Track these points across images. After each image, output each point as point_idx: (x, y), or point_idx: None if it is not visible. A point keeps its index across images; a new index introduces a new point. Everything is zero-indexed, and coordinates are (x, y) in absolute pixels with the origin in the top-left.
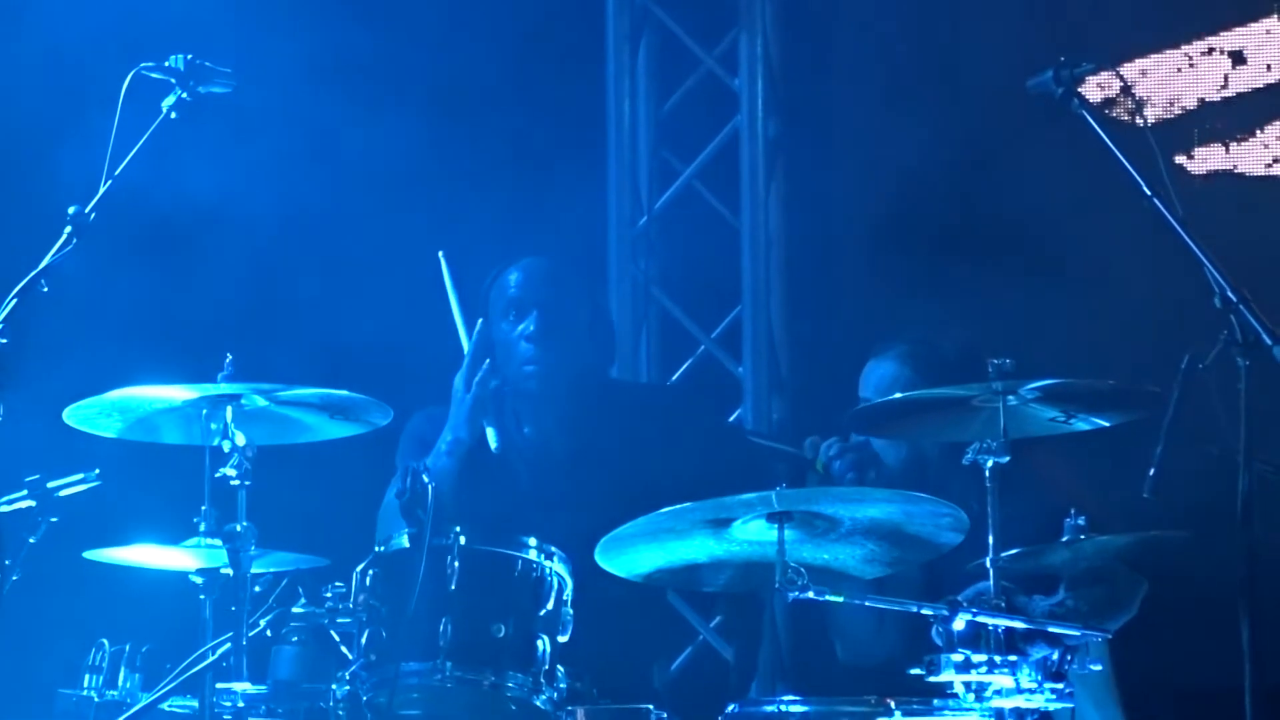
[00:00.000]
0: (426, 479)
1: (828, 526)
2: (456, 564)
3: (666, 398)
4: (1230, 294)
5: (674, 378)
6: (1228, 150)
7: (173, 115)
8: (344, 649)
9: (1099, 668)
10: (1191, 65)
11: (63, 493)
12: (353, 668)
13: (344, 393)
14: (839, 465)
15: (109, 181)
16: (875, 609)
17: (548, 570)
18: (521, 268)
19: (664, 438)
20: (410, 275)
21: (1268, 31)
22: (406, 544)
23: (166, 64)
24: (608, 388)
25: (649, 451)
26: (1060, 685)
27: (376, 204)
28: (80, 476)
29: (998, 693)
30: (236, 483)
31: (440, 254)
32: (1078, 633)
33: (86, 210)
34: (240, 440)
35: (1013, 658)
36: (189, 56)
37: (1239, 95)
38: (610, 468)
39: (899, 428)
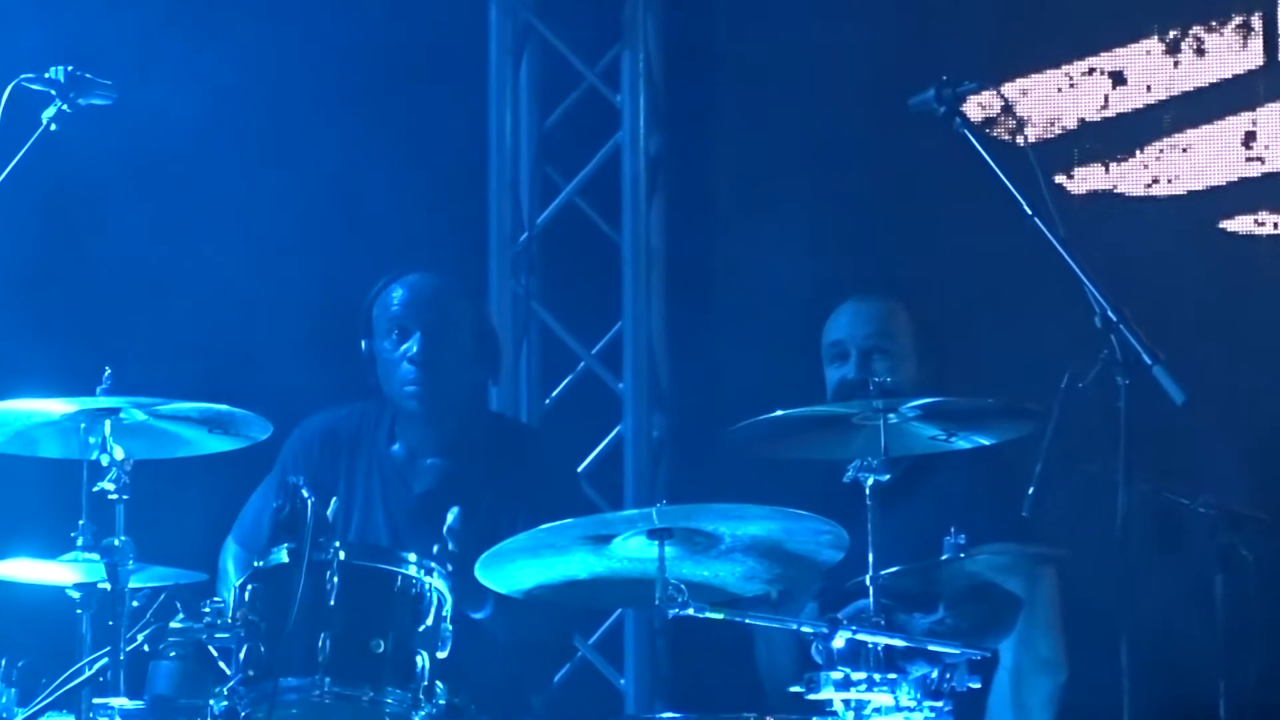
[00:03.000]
0: (306, 494)
1: (708, 543)
2: (336, 579)
3: (538, 441)
4: (1110, 313)
5: (554, 394)
6: (1108, 170)
7: (53, 127)
8: (222, 664)
9: (977, 685)
10: (1072, 85)
11: None
12: (231, 683)
13: (223, 407)
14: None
15: None
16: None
17: (427, 586)
18: (406, 285)
19: (527, 482)
20: (290, 287)
21: (1148, 52)
22: (286, 559)
23: (46, 75)
24: (483, 419)
25: (508, 492)
26: (939, 703)
27: (256, 215)
28: None
29: (877, 710)
30: (115, 497)
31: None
32: (957, 651)
33: None
34: (119, 454)
35: (892, 675)
36: (69, 68)
37: (1119, 115)
38: (467, 500)
39: (779, 447)
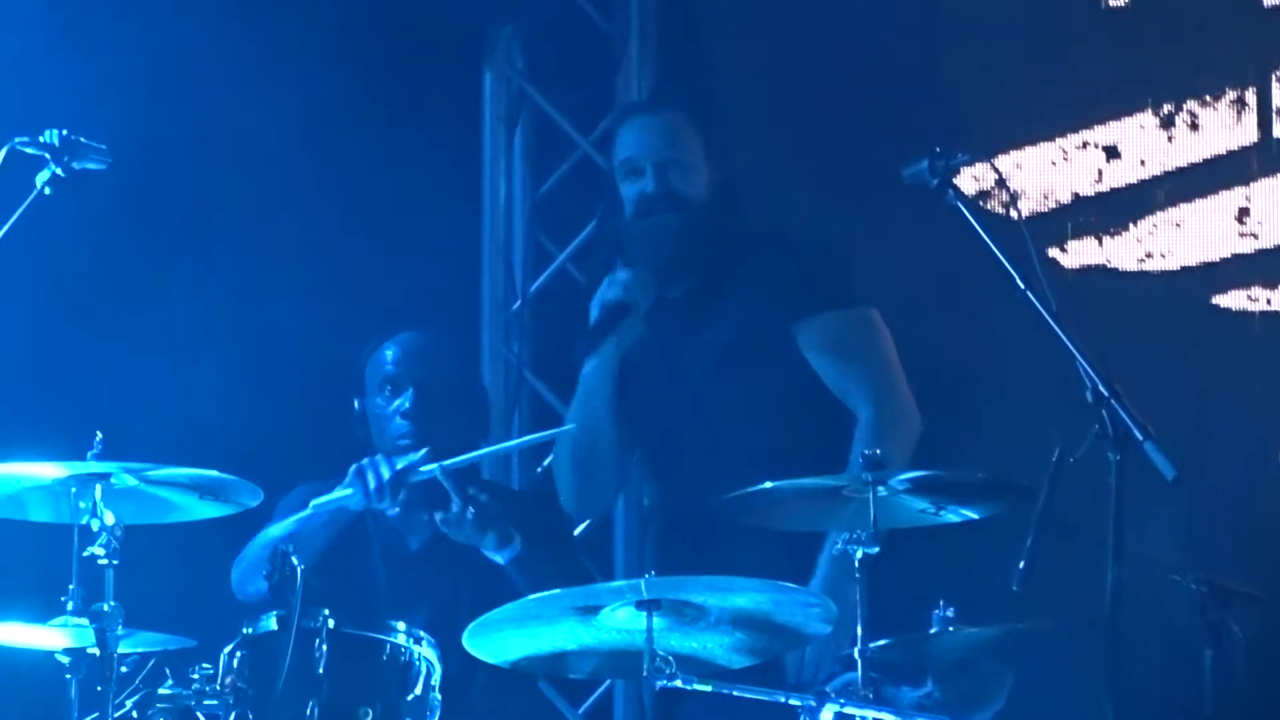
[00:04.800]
0: (296, 561)
1: (696, 614)
2: (325, 647)
3: (528, 503)
4: (1102, 388)
5: (546, 462)
6: (1101, 244)
7: (47, 191)
8: None
9: None
10: (1066, 159)
11: None
12: None
13: (214, 473)
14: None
15: None
16: None
17: (416, 655)
18: (398, 343)
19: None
20: (282, 353)
21: (1141, 127)
22: (275, 626)
23: (41, 139)
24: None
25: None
26: None
27: (249, 280)
28: None
29: None
30: (104, 562)
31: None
32: None
33: None
34: (109, 519)
35: None
36: (64, 132)
37: (1112, 190)
38: (464, 554)
39: (768, 517)
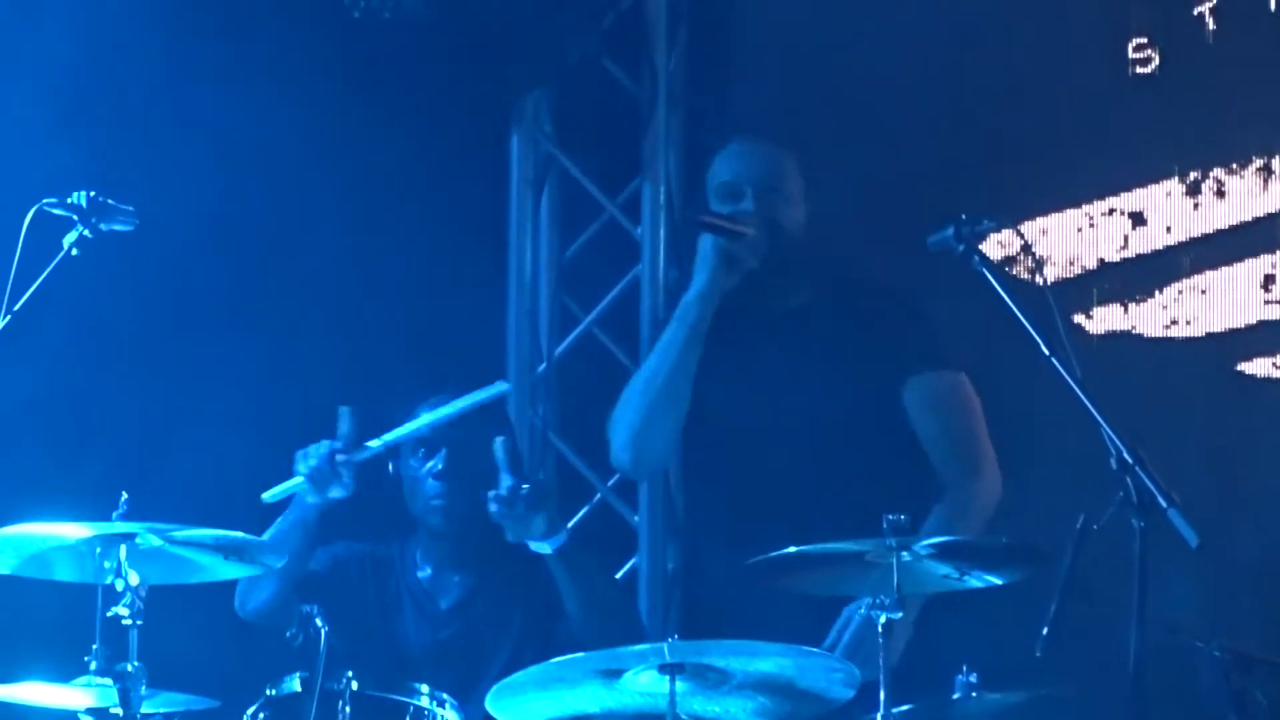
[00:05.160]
0: (320, 623)
1: (719, 679)
2: (348, 709)
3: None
4: (1126, 455)
5: (570, 525)
6: (1126, 311)
7: (74, 252)
8: None
9: None
10: (1092, 225)
11: None
12: None
13: (239, 534)
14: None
15: (8, 317)
16: None
17: (439, 717)
18: (430, 406)
19: (551, 599)
20: (307, 415)
21: (1168, 194)
22: (298, 688)
23: (69, 200)
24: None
25: (539, 608)
26: None
27: (273, 342)
28: None
29: None
30: (129, 622)
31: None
32: None
33: None
34: (134, 579)
35: None
36: (91, 193)
37: (1138, 256)
38: (498, 615)
39: (792, 581)
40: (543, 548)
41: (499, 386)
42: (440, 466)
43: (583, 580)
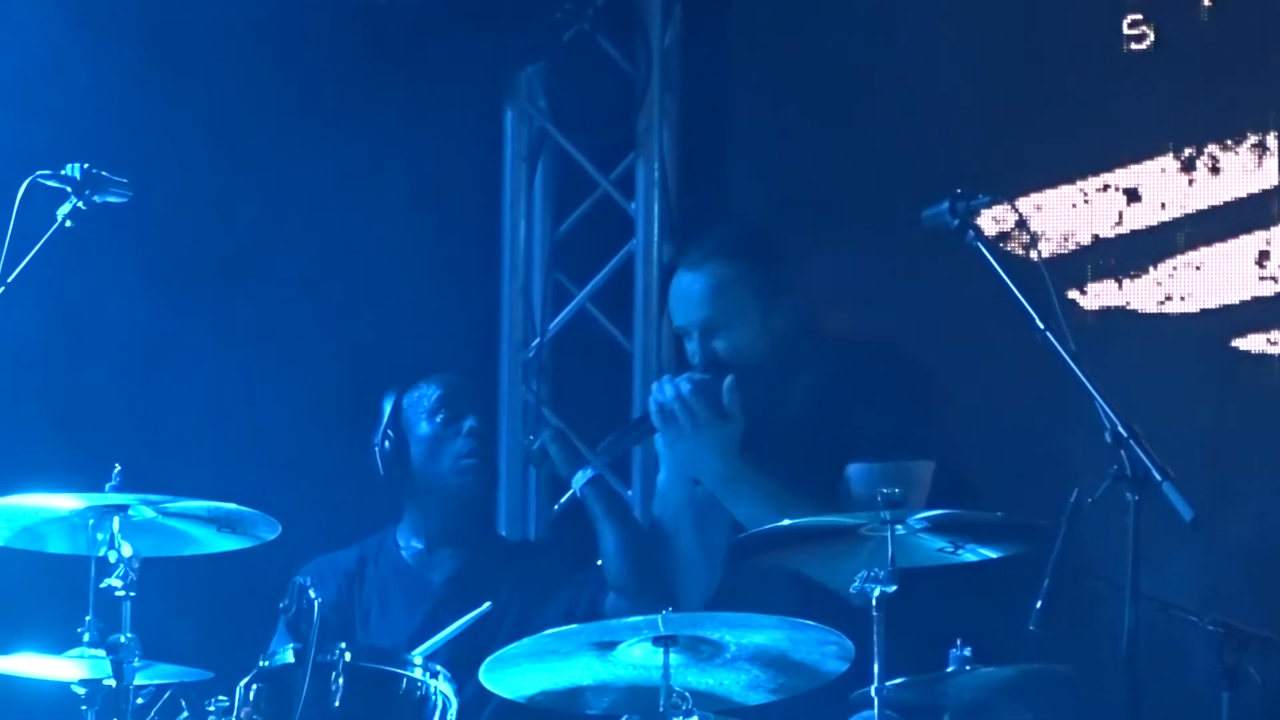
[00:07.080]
0: (313, 594)
1: (713, 651)
2: (341, 680)
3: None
4: (1121, 429)
5: (563, 500)
6: (1121, 287)
7: (68, 224)
8: None
9: None
10: (1086, 201)
11: None
12: None
13: (232, 506)
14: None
15: (2, 288)
16: None
17: (432, 689)
18: (443, 379)
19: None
20: (301, 388)
21: (1162, 170)
22: (291, 659)
23: (63, 172)
24: (492, 528)
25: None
26: None
27: (268, 317)
28: None
29: None
30: (121, 593)
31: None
32: None
33: None
34: (126, 551)
35: None
36: (85, 165)
37: (1133, 232)
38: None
39: (785, 556)
40: (580, 479)
41: (484, 607)
42: (475, 424)
43: (616, 513)
